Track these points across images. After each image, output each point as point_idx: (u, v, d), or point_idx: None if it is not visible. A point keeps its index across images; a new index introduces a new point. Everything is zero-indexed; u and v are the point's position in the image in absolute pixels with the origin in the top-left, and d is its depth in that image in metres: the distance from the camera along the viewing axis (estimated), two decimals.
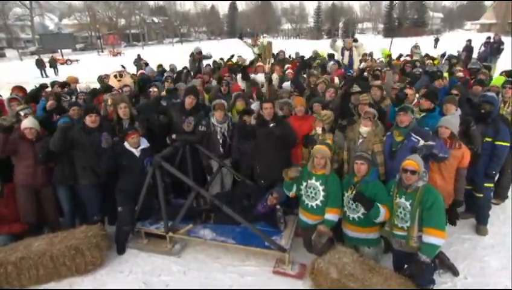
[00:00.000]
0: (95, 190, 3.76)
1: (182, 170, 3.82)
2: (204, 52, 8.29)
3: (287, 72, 6.48)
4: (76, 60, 28.83)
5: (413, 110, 3.47)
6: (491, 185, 3.82)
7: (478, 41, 12.73)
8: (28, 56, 35.36)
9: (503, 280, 3.16)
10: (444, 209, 2.70)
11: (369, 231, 3.12)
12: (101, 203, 3.86)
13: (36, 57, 21.99)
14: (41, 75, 20.09)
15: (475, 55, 11.49)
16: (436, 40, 28.66)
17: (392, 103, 4.11)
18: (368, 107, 3.72)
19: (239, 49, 9.62)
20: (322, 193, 3.19)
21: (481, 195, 3.74)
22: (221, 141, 4.16)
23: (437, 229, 2.57)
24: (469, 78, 6.06)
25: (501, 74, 6.23)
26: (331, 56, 8.56)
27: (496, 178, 3.99)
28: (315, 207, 3.25)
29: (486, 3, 64.01)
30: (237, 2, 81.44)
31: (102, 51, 41.67)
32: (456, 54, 10.24)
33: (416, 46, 11.64)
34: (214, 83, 6.34)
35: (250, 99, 5.04)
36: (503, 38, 11.86)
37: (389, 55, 9.69)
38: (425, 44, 13.85)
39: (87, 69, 20.53)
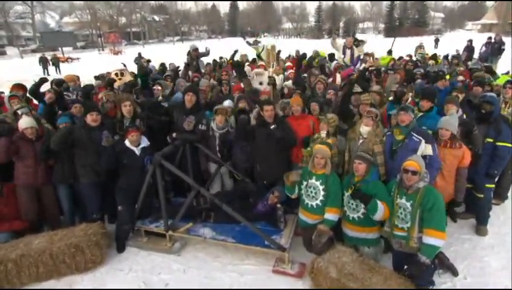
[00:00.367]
0: (94, 188, 3.76)
1: (182, 168, 3.82)
2: (201, 50, 8.21)
3: (287, 72, 6.45)
4: (77, 58, 28.81)
5: (414, 109, 3.46)
6: (492, 185, 3.81)
7: (479, 41, 12.71)
8: (28, 54, 35.30)
9: (503, 280, 3.16)
10: (445, 211, 2.70)
11: (369, 230, 3.12)
12: (101, 202, 3.86)
13: (39, 54, 22.05)
14: (44, 73, 20.07)
15: (476, 55, 11.48)
16: (437, 40, 28.61)
17: (390, 102, 4.11)
18: (370, 107, 3.71)
19: (241, 48, 9.55)
20: (322, 193, 3.19)
21: (481, 195, 3.73)
22: (218, 149, 4.12)
23: (437, 230, 2.57)
24: (469, 81, 6.05)
25: (506, 73, 6.21)
26: (331, 56, 8.54)
27: (496, 179, 3.98)
28: (315, 207, 3.25)
29: (488, 3, 64.03)
30: (238, 1, 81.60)
31: (103, 49, 41.59)
32: (456, 53, 10.21)
33: (421, 46, 11.61)
34: (212, 81, 6.31)
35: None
36: (504, 39, 11.85)
37: (393, 59, 9.54)
38: (426, 44, 13.84)
39: (88, 67, 20.53)
